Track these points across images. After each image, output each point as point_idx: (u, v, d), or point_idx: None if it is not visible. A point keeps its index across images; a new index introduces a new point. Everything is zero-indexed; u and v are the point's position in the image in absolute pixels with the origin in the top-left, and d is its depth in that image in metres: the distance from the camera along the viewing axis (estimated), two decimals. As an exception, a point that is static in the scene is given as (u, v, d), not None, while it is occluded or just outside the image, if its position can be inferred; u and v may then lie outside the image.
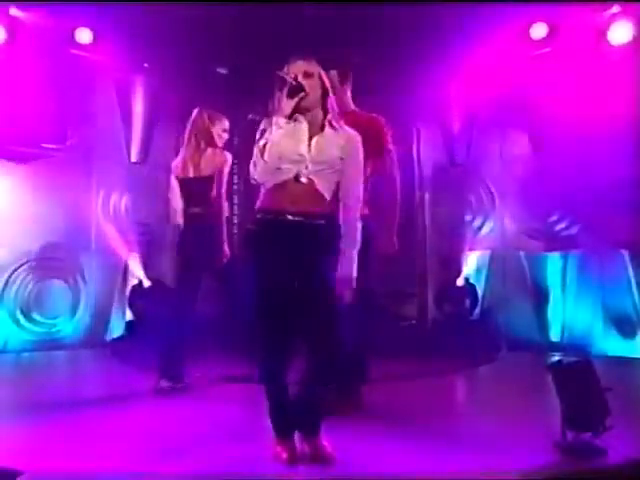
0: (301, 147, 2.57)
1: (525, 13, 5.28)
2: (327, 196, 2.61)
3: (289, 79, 2.52)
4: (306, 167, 2.56)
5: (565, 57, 5.33)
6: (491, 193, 6.18)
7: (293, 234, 2.56)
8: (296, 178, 2.56)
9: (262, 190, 2.65)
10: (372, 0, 4.94)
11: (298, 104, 2.55)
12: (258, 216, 2.63)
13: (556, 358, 4.33)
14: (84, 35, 5.60)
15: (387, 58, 5.74)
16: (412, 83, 6.12)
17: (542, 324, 5.62)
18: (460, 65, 5.88)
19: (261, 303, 2.63)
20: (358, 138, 2.66)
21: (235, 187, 7.20)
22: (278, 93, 2.54)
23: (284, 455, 2.60)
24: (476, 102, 6.12)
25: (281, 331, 2.61)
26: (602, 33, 5.13)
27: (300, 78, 2.55)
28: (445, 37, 5.37)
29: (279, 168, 2.55)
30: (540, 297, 5.68)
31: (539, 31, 5.46)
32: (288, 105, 2.53)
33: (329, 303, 2.59)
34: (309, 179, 2.56)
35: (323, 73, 2.66)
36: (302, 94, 2.54)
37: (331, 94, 2.67)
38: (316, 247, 2.58)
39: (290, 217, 2.56)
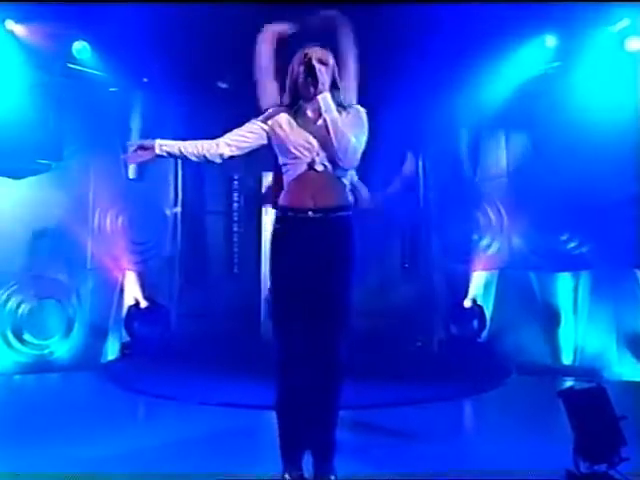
0: (308, 135, 2.63)
1: (536, 26, 5.29)
2: (346, 182, 2.68)
3: (306, 63, 2.60)
4: (317, 154, 2.60)
5: (576, 71, 5.33)
6: (499, 211, 6.16)
7: (315, 230, 2.59)
8: (311, 166, 2.60)
9: (284, 182, 2.69)
10: (377, 11, 4.95)
11: (308, 88, 2.61)
12: (279, 213, 2.67)
13: (568, 384, 4.29)
14: (82, 49, 5.62)
15: (392, 74, 5.75)
16: (417, 99, 6.15)
17: (553, 347, 5.55)
18: (467, 80, 5.88)
19: (281, 306, 2.64)
20: (363, 110, 2.72)
21: (236, 204, 7.23)
22: (292, 76, 2.67)
23: None
24: (483, 118, 6.11)
25: (298, 337, 2.59)
26: (612, 47, 5.13)
27: (315, 62, 2.60)
28: (453, 51, 5.38)
29: (293, 156, 2.62)
30: (551, 319, 5.62)
31: (550, 44, 5.48)
32: (305, 89, 2.61)
33: (346, 308, 2.62)
34: (324, 166, 2.61)
35: (336, 65, 2.71)
36: (315, 78, 2.58)
37: (340, 87, 2.71)
38: (340, 241, 2.62)
39: (311, 214, 2.59)
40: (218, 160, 2.70)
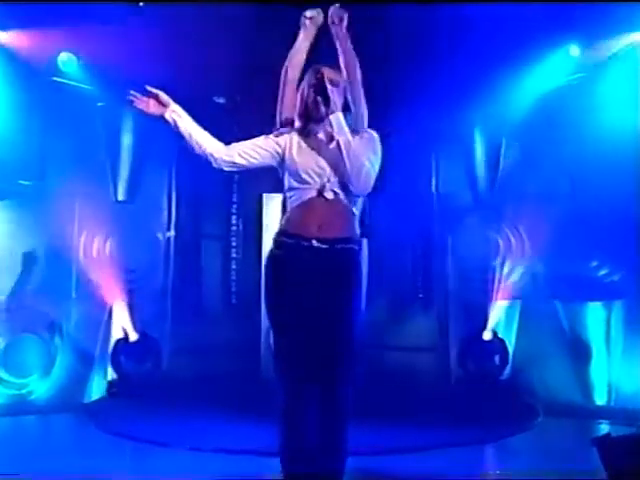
0: (319, 158, 2.69)
1: (560, 34, 5.28)
2: (356, 211, 2.73)
3: (318, 82, 2.69)
4: (328, 180, 2.65)
5: (602, 83, 5.32)
6: (520, 235, 6.10)
7: (318, 261, 2.63)
8: (320, 193, 2.65)
9: (288, 207, 2.75)
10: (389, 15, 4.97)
11: (319, 109, 2.68)
12: (280, 238, 2.71)
13: (603, 428, 4.21)
14: (68, 61, 5.59)
15: (403, 87, 5.75)
16: (431, 111, 6.12)
17: (584, 385, 5.44)
18: (484, 92, 5.83)
19: (280, 337, 2.67)
20: (377, 135, 2.80)
21: (235, 228, 7.19)
22: (302, 96, 2.74)
23: None
24: (503, 133, 6.08)
25: (302, 375, 2.61)
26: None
27: (326, 82, 2.68)
28: (468, 61, 5.39)
29: (302, 181, 2.67)
30: (581, 354, 5.51)
31: (574, 54, 5.45)
32: (316, 110, 2.68)
33: (349, 340, 2.62)
34: (334, 193, 2.64)
35: (348, 87, 2.76)
36: (326, 98, 2.66)
37: (352, 109, 2.75)
38: (345, 275, 2.65)
39: (315, 242, 2.62)
40: (220, 166, 2.70)
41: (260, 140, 2.77)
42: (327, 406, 2.61)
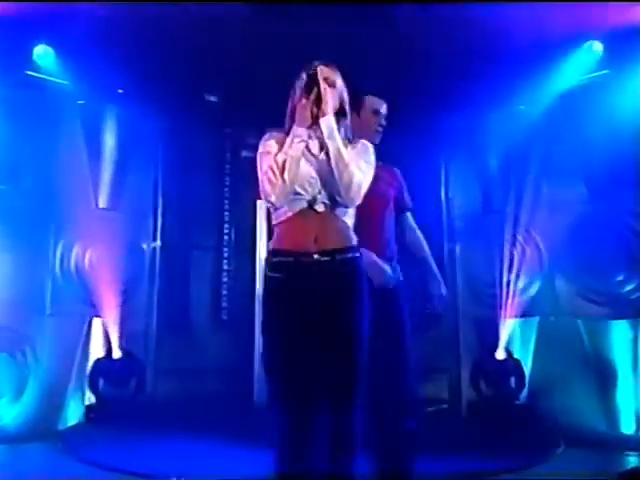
0: (310, 169, 2.64)
1: (576, 34, 5.26)
2: (349, 222, 2.71)
3: (310, 79, 2.62)
4: (319, 192, 2.62)
5: (628, 80, 5.25)
6: (537, 246, 6.02)
7: (323, 276, 2.59)
8: (311, 205, 2.62)
9: (274, 222, 2.71)
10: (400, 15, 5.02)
11: (310, 110, 2.61)
12: (276, 259, 2.66)
13: (631, 461, 4.11)
14: (44, 54, 5.53)
15: (413, 88, 5.72)
16: (440, 117, 6.15)
17: (609, 412, 5.35)
18: (499, 92, 5.78)
19: (280, 358, 2.62)
20: (370, 145, 2.77)
21: (226, 237, 7.10)
22: (293, 99, 2.69)
23: None
24: (518, 135, 6.01)
25: (306, 405, 2.58)
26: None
27: (320, 80, 2.62)
28: (479, 64, 5.37)
29: (295, 192, 2.61)
30: (605, 377, 5.42)
31: (595, 50, 5.41)
32: (307, 112, 2.62)
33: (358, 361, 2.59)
34: (325, 205, 2.62)
35: (345, 90, 2.74)
36: (318, 98, 2.60)
37: (348, 115, 2.74)
38: (351, 286, 2.62)
39: (317, 257, 2.59)
40: None
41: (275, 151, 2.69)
42: (341, 431, 2.56)
